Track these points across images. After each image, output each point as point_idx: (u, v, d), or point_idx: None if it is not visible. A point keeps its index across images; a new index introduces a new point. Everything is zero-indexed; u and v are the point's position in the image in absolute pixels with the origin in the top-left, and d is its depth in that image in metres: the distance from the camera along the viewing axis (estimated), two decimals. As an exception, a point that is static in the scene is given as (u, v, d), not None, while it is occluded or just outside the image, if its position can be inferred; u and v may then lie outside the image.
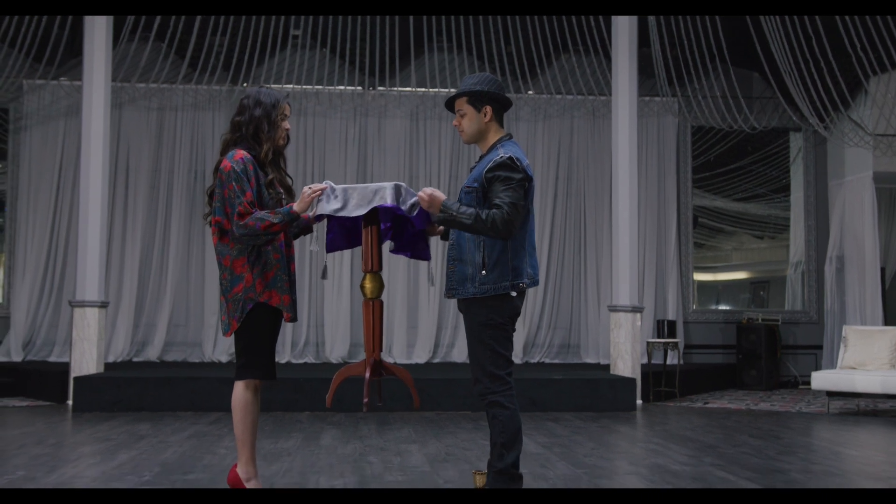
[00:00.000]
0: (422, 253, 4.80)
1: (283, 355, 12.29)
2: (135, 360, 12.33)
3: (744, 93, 12.37)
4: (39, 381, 10.24)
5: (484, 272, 4.16)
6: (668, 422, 8.39)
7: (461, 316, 4.37)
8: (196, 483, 5.13)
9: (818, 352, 13.06)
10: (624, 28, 10.40)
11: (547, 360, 12.78)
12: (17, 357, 12.04)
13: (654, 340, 10.47)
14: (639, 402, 9.73)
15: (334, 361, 12.39)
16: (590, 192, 13.08)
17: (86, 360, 9.54)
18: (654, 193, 13.02)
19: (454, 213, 4.11)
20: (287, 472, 5.52)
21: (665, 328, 10.56)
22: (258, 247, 4.21)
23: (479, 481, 4.90)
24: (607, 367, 10.52)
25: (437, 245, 12.60)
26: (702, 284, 14.12)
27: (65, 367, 9.83)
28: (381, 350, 4.59)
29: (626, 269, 9.98)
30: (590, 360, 12.82)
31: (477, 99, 4.31)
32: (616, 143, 10.31)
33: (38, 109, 12.51)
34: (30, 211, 12.40)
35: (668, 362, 10.63)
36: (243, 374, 4.25)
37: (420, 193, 4.29)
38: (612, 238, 10.31)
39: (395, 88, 12.73)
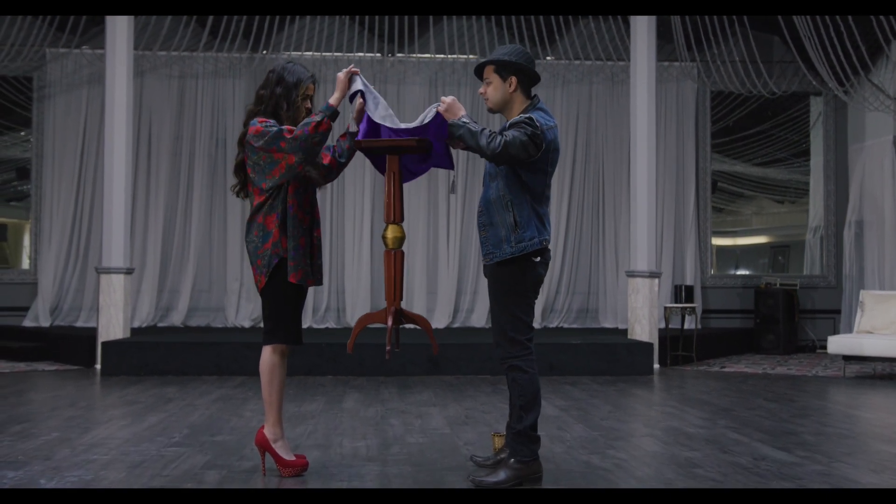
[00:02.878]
0: (442, 161, 4.79)
1: (305, 320, 12.46)
2: (159, 325, 12.54)
3: (763, 57, 12.33)
4: (68, 345, 10.47)
5: (518, 230, 4.29)
6: (685, 385, 8.51)
7: (481, 281, 4.49)
8: (224, 444, 5.29)
9: (836, 316, 13.11)
10: (642, -7, 10.39)
11: (565, 325, 12.91)
12: (45, 322, 12.28)
13: (671, 305, 10.56)
14: (656, 366, 9.85)
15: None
16: (609, 157, 13.13)
17: (112, 326, 9.74)
18: (672, 159, 13.06)
19: (466, 122, 4.28)
20: (311, 433, 5.68)
21: (683, 293, 10.64)
22: (284, 203, 4.31)
23: (498, 442, 5.04)
24: (625, 331, 10.62)
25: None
26: (721, 249, 14.17)
27: (92, 332, 10.05)
28: (401, 299, 4.68)
29: (644, 234, 10.07)
30: (608, 324, 12.94)
31: (503, 68, 4.41)
32: (634, 109, 10.36)
33: (62, 78, 12.65)
34: (55, 178, 12.59)
35: (686, 327, 10.72)
36: (270, 338, 4.40)
37: (443, 98, 4.43)
38: (630, 204, 10.39)
39: (414, 55, 12.77)
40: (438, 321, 12.74)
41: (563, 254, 13.03)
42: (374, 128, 4.66)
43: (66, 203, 12.57)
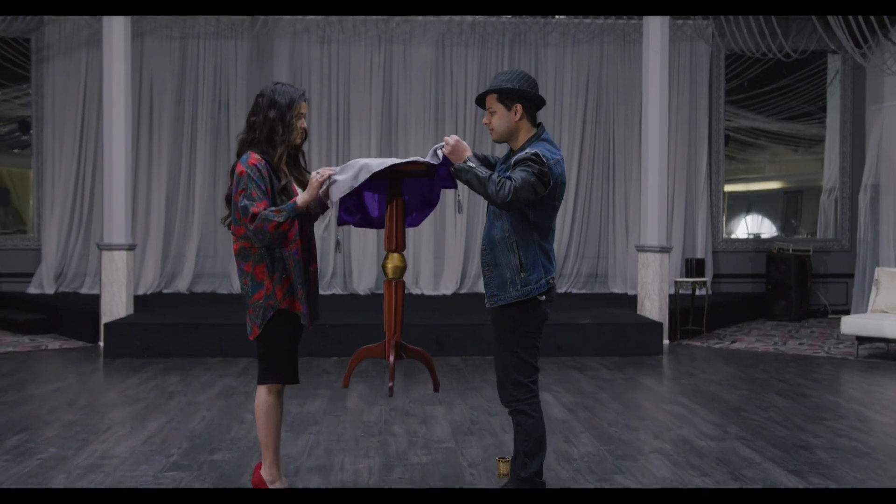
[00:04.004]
0: (447, 181, 4.52)
1: (311, 287, 12.33)
2: (165, 291, 12.46)
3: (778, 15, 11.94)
4: (72, 320, 10.38)
5: (523, 274, 4.10)
6: (694, 371, 8.37)
7: None
8: (222, 466, 5.18)
9: (849, 280, 12.93)
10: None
11: (574, 291, 12.78)
12: (49, 289, 12.20)
13: (682, 280, 10.38)
14: (665, 342, 9.71)
15: (361, 293, 12.44)
16: (619, 119, 12.86)
17: (115, 303, 9.62)
18: (684, 120, 12.77)
19: (472, 166, 4.03)
20: (313, 449, 5.56)
21: (693, 267, 10.45)
22: (273, 250, 4.15)
23: (503, 468, 4.92)
24: (634, 297, 10.47)
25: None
26: (733, 195, 13.91)
27: (96, 302, 9.85)
28: (401, 332, 4.54)
29: (655, 208, 9.85)
30: (617, 290, 12.80)
31: (507, 97, 4.16)
32: (646, 73, 10.02)
33: (60, 40, 12.38)
34: (55, 144, 12.41)
35: (696, 294, 10.52)
36: (265, 378, 4.25)
37: (447, 138, 4.18)
38: (641, 177, 10.15)
39: (421, 15, 12.42)
40: (446, 287, 12.63)
41: (573, 218, 12.84)
42: (356, 203, 4.57)
43: (68, 168, 12.40)
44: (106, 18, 9.79)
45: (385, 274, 4.52)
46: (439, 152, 4.24)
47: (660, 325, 9.50)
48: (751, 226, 14.37)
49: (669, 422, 6.34)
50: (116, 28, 9.72)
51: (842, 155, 13.33)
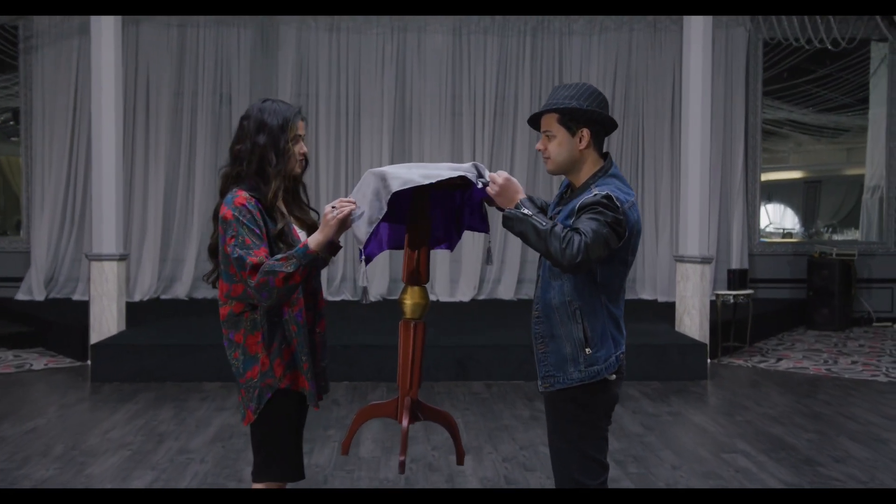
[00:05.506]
0: (477, 225, 3.69)
1: (319, 293, 11.51)
2: (163, 297, 11.65)
3: None
4: (60, 334, 9.57)
5: (589, 350, 3.23)
6: (747, 403, 7.49)
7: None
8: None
9: (894, 286, 12.07)
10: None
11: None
12: (39, 296, 11.39)
13: (724, 293, 9.49)
14: (708, 360, 8.85)
15: (372, 299, 11.59)
16: (649, 112, 11.97)
17: (105, 318, 8.79)
18: (719, 114, 11.82)
19: (528, 213, 3.11)
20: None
21: (737, 278, 9.56)
22: (271, 314, 3.28)
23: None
24: (664, 305, 9.58)
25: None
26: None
27: (88, 312, 8.95)
28: (419, 387, 3.57)
29: (696, 215, 8.94)
30: (646, 296, 11.97)
31: (572, 118, 3.24)
32: (688, 69, 9.08)
33: (49, 28, 11.52)
34: (45, 140, 11.58)
35: (737, 304, 9.64)
36: (262, 474, 3.35)
37: (493, 175, 3.25)
38: (681, 181, 9.22)
39: (434, 15, 11.49)
40: (463, 293, 11.80)
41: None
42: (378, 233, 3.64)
43: (59, 166, 11.58)
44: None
45: (402, 311, 3.53)
46: (479, 182, 3.31)
47: (703, 346, 8.63)
48: (772, 216, 13.61)
49: (735, 479, 5.49)
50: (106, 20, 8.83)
51: (888, 151, 12.41)
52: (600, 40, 11.91)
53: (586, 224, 3.05)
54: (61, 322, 9.75)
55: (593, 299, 3.23)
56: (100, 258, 8.83)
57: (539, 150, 3.36)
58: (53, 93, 11.52)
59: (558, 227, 3.05)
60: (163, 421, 6.74)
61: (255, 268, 3.12)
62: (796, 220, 13.55)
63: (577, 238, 3.00)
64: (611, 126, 3.32)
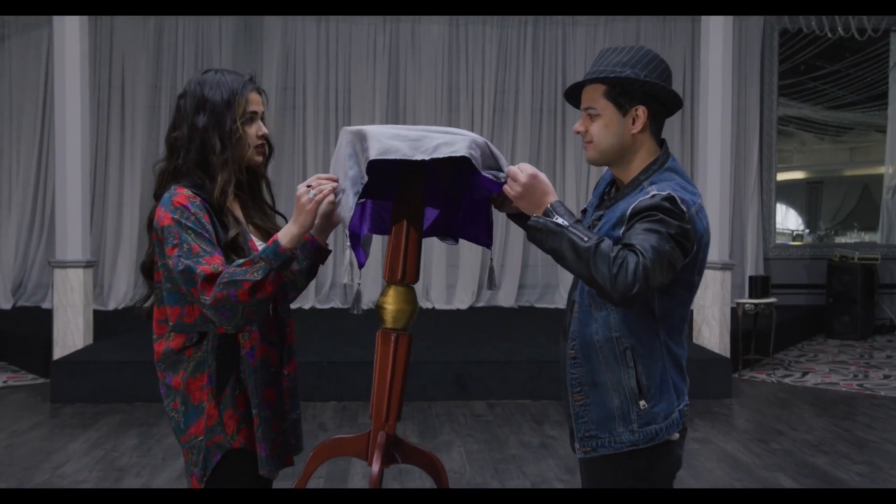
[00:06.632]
0: (478, 235, 2.86)
1: (307, 300, 10.77)
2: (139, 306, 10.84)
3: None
4: (23, 346, 8.79)
5: (644, 403, 2.42)
6: (781, 426, 6.75)
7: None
8: None
9: (918, 292, 11.37)
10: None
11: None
12: (5, 304, 10.62)
13: (745, 301, 8.75)
14: (732, 376, 8.11)
15: (364, 307, 10.78)
16: (659, 107, 11.21)
17: (70, 331, 8.00)
18: (733, 109, 11.05)
19: (565, 224, 2.31)
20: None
21: (758, 285, 8.80)
22: (223, 349, 2.51)
23: None
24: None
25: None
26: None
27: (51, 324, 8.18)
28: (397, 418, 2.69)
29: (716, 220, 8.16)
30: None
31: (625, 92, 2.43)
32: (706, 72, 8.35)
33: (16, 16, 10.71)
34: (12, 136, 10.80)
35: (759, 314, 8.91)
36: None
37: (514, 170, 2.41)
38: (699, 186, 8.48)
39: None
40: (460, 300, 11.05)
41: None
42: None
43: (27, 166, 10.81)
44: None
45: (381, 319, 2.69)
46: (488, 173, 2.45)
47: (726, 360, 7.90)
48: (777, 218, 12.96)
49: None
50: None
51: (910, 148, 11.70)
52: (606, 29, 11.18)
53: (643, 238, 2.25)
54: (25, 333, 8.97)
55: (649, 335, 2.43)
56: (63, 265, 8.04)
57: (578, 132, 2.52)
58: (21, 87, 10.75)
59: (605, 244, 2.24)
60: (125, 451, 5.96)
61: (210, 279, 2.33)
62: (800, 222, 12.86)
63: (632, 259, 2.20)
64: (674, 105, 2.50)
